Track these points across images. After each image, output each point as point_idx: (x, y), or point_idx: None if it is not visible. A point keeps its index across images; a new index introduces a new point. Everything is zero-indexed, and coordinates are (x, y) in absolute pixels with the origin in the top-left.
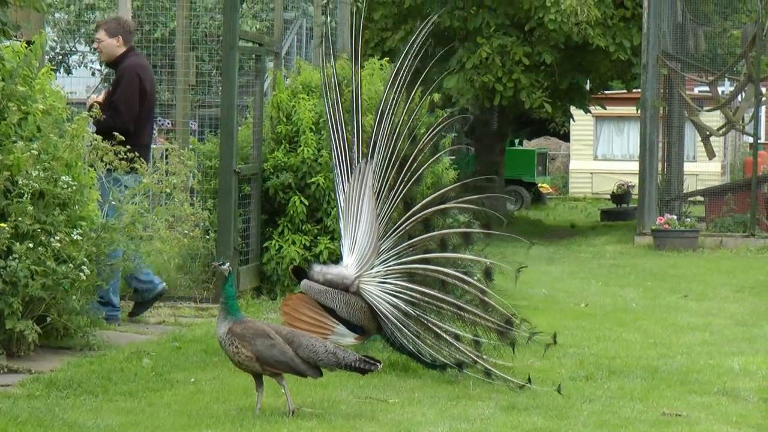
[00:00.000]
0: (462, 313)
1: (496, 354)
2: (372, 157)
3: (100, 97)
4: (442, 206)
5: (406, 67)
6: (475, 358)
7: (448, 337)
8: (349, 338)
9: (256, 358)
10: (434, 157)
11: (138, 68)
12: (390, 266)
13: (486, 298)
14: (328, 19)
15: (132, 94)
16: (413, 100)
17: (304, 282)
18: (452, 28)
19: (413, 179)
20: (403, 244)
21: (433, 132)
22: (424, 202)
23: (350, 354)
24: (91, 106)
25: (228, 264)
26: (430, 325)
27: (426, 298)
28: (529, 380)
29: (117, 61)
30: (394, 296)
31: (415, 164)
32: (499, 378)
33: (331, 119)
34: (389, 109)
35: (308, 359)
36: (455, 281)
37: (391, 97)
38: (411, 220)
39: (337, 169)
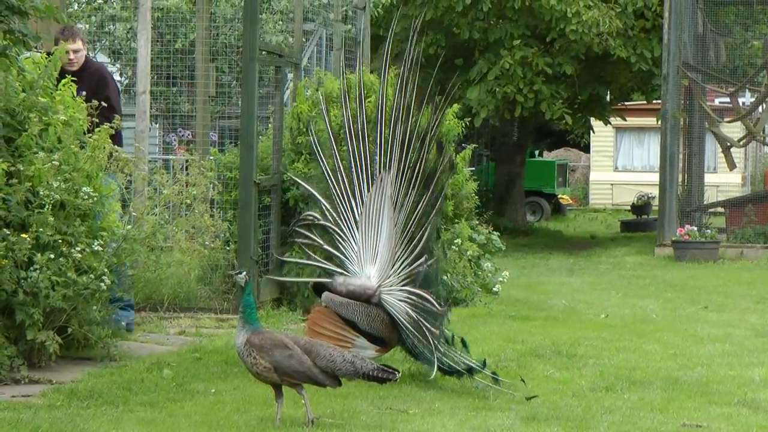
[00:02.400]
0: (430, 306)
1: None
2: (389, 167)
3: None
4: (430, 195)
5: (410, 77)
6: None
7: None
8: (370, 351)
9: (273, 369)
10: (437, 158)
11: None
12: (402, 272)
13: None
14: (349, 27)
15: (118, 93)
16: (418, 109)
17: (325, 295)
18: (472, 39)
19: (422, 184)
20: (410, 247)
21: (433, 130)
22: (423, 203)
23: (368, 363)
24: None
25: (244, 273)
26: (425, 331)
27: (420, 300)
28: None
29: (83, 67)
30: (405, 302)
31: (422, 168)
32: (505, 385)
33: (350, 130)
34: (399, 118)
35: (326, 369)
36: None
37: (399, 106)
38: (412, 222)
39: (355, 179)
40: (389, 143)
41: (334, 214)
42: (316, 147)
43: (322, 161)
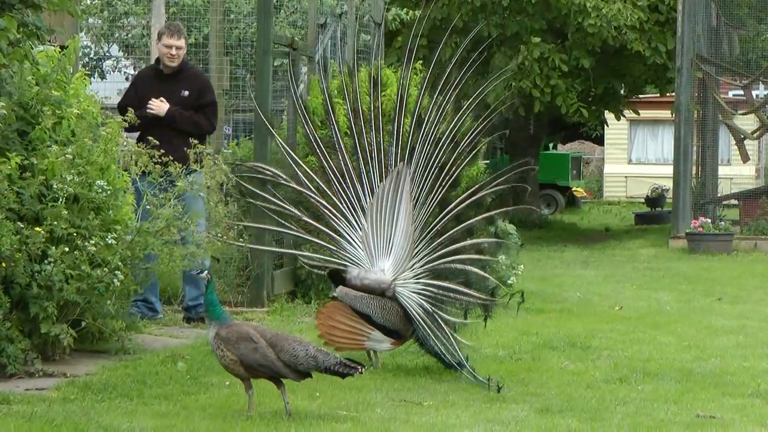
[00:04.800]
0: (464, 297)
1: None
2: (410, 161)
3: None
4: (475, 197)
5: (453, 79)
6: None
7: (451, 335)
8: (386, 344)
9: (239, 362)
10: (469, 158)
11: None
12: (421, 267)
13: (486, 274)
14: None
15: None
16: (463, 110)
17: (340, 289)
18: (489, 35)
19: (449, 183)
20: (434, 244)
21: (472, 136)
22: (458, 200)
23: (331, 357)
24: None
25: (206, 272)
26: (440, 321)
27: (442, 291)
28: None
29: (181, 68)
30: (420, 295)
31: (453, 168)
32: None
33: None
34: (432, 117)
35: (289, 363)
36: (472, 265)
37: (435, 106)
38: (444, 219)
39: (362, 166)
40: (414, 139)
41: (330, 192)
42: (304, 117)
43: (309, 126)
